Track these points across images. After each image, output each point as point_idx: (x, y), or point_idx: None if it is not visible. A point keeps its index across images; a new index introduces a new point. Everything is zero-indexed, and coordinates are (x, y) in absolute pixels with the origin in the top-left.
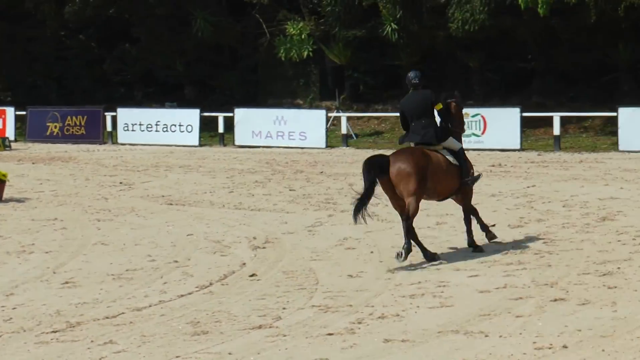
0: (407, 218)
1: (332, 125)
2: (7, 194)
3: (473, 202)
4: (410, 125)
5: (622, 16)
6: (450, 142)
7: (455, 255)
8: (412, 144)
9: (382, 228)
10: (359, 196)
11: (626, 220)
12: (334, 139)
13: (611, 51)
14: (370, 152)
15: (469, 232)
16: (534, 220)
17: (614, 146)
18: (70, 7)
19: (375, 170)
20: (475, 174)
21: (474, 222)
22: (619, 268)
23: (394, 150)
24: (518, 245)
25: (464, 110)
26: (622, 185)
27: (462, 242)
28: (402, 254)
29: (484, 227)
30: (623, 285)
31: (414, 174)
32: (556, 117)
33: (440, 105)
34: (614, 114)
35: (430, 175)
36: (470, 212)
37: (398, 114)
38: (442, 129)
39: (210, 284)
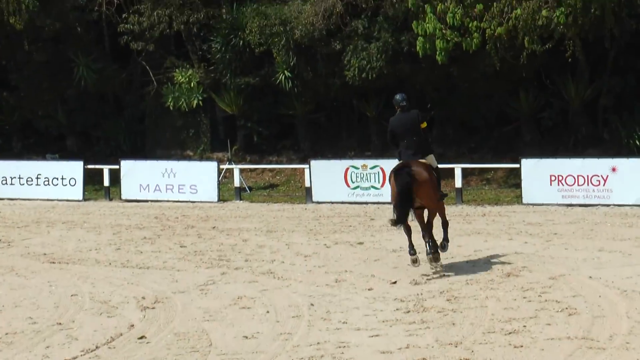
0: (430, 225)
1: (224, 178)
2: None
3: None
4: (402, 142)
5: (523, 64)
6: (432, 158)
7: (355, 314)
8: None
9: (278, 286)
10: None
11: (531, 276)
12: (226, 192)
13: (512, 100)
14: (265, 206)
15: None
16: (437, 277)
17: (518, 199)
18: None
19: (404, 176)
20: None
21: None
22: (524, 326)
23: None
24: (420, 303)
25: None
26: (526, 239)
27: (362, 301)
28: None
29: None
30: (529, 344)
31: (430, 181)
32: (457, 168)
33: (425, 124)
34: (517, 165)
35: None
36: (445, 226)
37: (293, 166)
38: (428, 143)
39: (97, 347)
